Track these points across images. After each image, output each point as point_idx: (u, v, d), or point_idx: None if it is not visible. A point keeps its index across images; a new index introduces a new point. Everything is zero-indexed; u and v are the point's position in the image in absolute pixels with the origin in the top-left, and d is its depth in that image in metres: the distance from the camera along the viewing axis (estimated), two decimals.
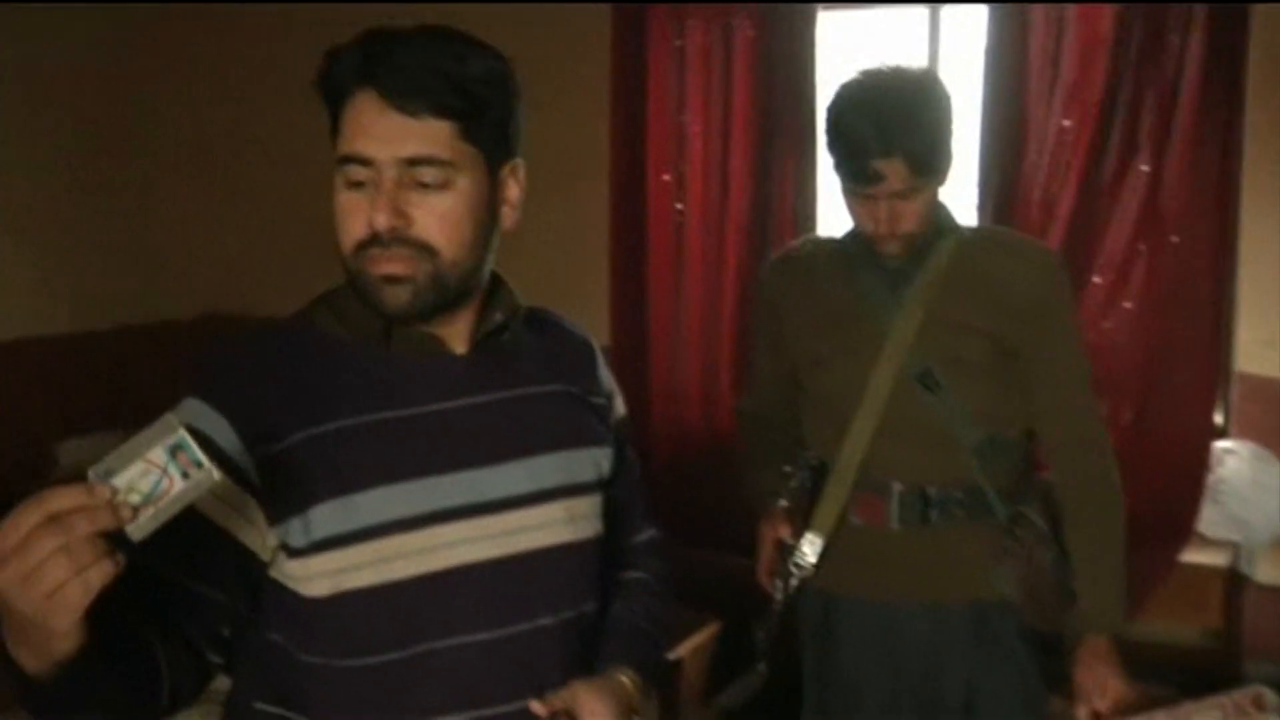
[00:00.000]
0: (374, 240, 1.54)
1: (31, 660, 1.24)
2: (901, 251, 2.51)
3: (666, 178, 4.85)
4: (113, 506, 1.18)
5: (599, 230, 4.95)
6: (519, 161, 1.67)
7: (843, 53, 4.83)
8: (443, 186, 1.56)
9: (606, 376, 1.88)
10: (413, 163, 1.54)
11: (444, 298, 1.60)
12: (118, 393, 5.42)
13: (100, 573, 1.16)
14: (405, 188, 1.54)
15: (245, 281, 5.86)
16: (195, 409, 1.54)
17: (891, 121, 2.40)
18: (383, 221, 1.53)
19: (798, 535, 2.63)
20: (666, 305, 4.93)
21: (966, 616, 2.58)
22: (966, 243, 2.57)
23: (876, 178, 2.41)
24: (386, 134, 1.53)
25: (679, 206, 4.86)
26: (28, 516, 1.16)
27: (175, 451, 1.22)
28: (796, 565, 2.62)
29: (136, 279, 5.56)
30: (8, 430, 5.02)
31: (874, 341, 2.55)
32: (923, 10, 4.57)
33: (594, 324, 4.79)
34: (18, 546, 1.15)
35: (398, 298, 1.57)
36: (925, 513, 2.56)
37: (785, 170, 4.66)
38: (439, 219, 1.56)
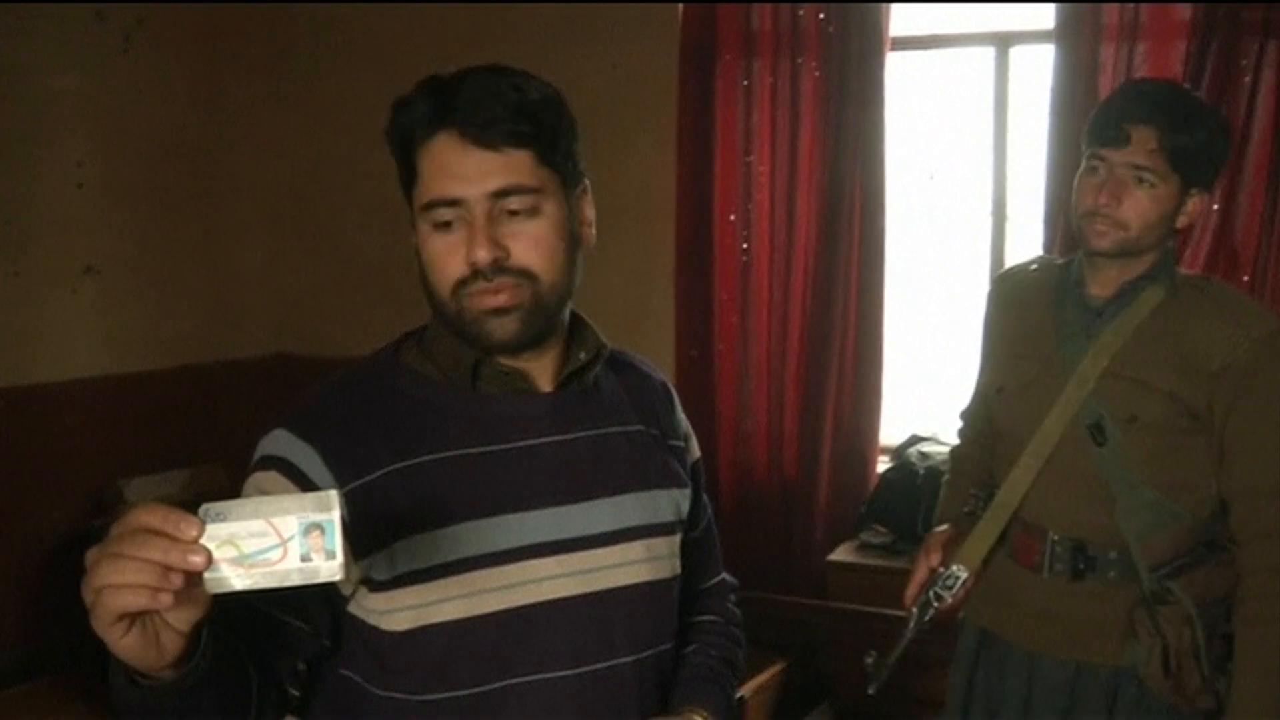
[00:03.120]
0: (474, 277, 1.55)
1: (141, 659, 1.22)
2: (1112, 248, 2.41)
3: (733, 218, 4.87)
4: (187, 547, 1.14)
5: (665, 270, 4.97)
6: (587, 182, 1.69)
7: (911, 94, 4.84)
8: (532, 213, 1.57)
9: (683, 419, 1.88)
10: (500, 194, 1.55)
11: (547, 322, 1.62)
12: (185, 431, 5.49)
13: (141, 597, 1.14)
14: (496, 220, 1.55)
15: (311, 321, 5.93)
16: (285, 440, 1.57)
17: (1158, 95, 2.40)
18: (483, 256, 1.53)
19: (946, 565, 2.56)
20: (732, 345, 4.93)
21: (1106, 681, 2.47)
22: (1177, 295, 2.44)
23: (1122, 139, 2.36)
24: (471, 171, 1.54)
25: (745, 247, 4.87)
26: (134, 516, 1.16)
27: (311, 530, 1.17)
28: (937, 596, 2.53)
29: (204, 319, 5.62)
30: (77, 467, 5.08)
31: (1056, 381, 2.47)
32: (990, 50, 4.57)
33: (659, 363, 4.78)
34: (113, 538, 1.15)
35: (505, 329, 1.57)
36: (1077, 567, 2.47)
37: (853, 211, 4.65)
38: (534, 244, 1.57)
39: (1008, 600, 2.57)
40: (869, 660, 2.57)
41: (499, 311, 1.56)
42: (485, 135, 1.54)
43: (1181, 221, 2.44)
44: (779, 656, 4.23)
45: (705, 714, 1.73)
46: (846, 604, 4.36)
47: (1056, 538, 2.49)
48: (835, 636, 4.27)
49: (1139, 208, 2.37)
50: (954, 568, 2.53)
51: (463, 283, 1.56)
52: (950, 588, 2.53)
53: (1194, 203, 2.42)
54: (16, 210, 4.82)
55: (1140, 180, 2.36)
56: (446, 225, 1.56)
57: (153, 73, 5.31)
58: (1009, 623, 2.58)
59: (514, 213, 1.56)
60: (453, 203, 1.55)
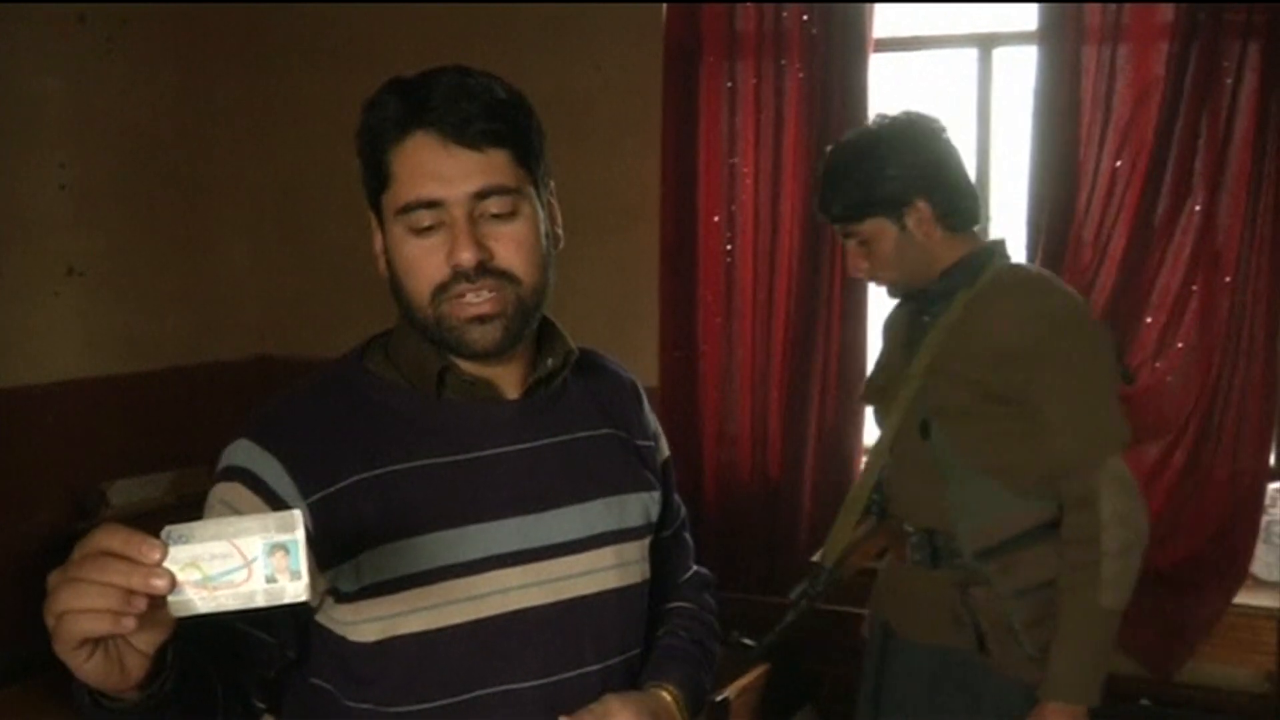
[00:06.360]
0: (455, 279, 1.53)
1: (105, 682, 1.19)
2: (898, 293, 2.70)
3: (717, 219, 4.86)
4: (150, 571, 1.11)
5: (650, 271, 4.96)
6: (552, 183, 1.67)
7: (894, 95, 4.84)
8: (512, 214, 1.55)
9: (651, 418, 1.86)
10: (481, 195, 1.53)
11: (528, 327, 1.60)
12: (169, 434, 5.47)
13: (104, 622, 1.11)
14: (476, 222, 1.53)
15: (295, 323, 5.92)
16: (248, 450, 1.55)
17: (827, 168, 2.62)
18: (468, 258, 1.51)
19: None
20: (716, 347, 4.93)
21: (963, 664, 2.61)
22: (981, 291, 2.57)
23: (824, 215, 2.65)
24: (452, 171, 1.52)
25: (729, 248, 4.86)
26: (95, 539, 1.13)
27: (275, 550, 1.15)
28: (812, 588, 2.80)
29: (188, 321, 5.61)
30: (60, 470, 5.07)
31: (894, 386, 2.67)
32: (973, 51, 4.57)
33: (644, 365, 4.81)
34: (74, 562, 1.13)
35: (488, 337, 1.55)
36: (930, 555, 2.63)
37: None
38: (516, 246, 1.56)
39: (891, 592, 2.78)
40: (732, 634, 2.77)
41: (482, 319, 1.54)
42: (464, 134, 1.52)
43: (918, 235, 2.57)
44: (763, 658, 4.23)
45: (671, 689, 1.71)
46: (830, 605, 4.35)
47: (911, 529, 2.67)
48: (819, 638, 4.27)
49: (875, 262, 2.62)
50: (821, 563, 2.82)
51: (443, 287, 1.53)
52: (819, 578, 2.80)
53: (913, 219, 2.56)
54: None
55: (857, 245, 2.63)
56: (426, 229, 1.53)
57: (136, 74, 5.30)
58: (891, 612, 2.77)
59: (494, 215, 1.54)
60: (431, 204, 1.52)
